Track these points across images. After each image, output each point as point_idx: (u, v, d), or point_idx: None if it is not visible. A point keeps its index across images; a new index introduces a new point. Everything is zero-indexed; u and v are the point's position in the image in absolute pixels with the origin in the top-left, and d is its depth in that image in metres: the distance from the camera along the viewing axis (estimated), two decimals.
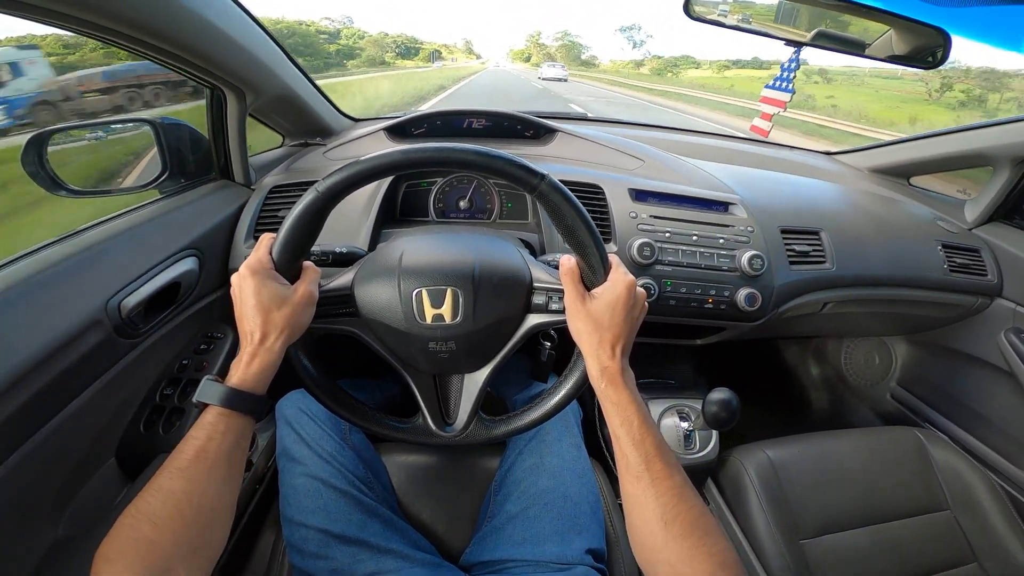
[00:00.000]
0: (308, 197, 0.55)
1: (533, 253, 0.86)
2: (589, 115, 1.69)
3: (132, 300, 0.74)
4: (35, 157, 0.81)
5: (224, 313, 0.99)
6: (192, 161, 1.04)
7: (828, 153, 1.71)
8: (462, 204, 1.11)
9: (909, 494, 1.01)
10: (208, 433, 0.49)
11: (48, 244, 0.74)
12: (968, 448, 1.31)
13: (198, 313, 0.93)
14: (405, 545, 0.69)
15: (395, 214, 1.09)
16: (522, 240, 0.96)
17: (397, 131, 1.24)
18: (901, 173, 1.51)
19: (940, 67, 0.88)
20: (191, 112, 1.06)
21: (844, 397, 1.68)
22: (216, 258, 0.96)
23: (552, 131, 1.27)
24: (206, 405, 0.51)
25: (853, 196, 1.36)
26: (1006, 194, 1.25)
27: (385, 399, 1.03)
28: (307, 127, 1.30)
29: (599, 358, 0.57)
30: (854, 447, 1.09)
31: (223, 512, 0.49)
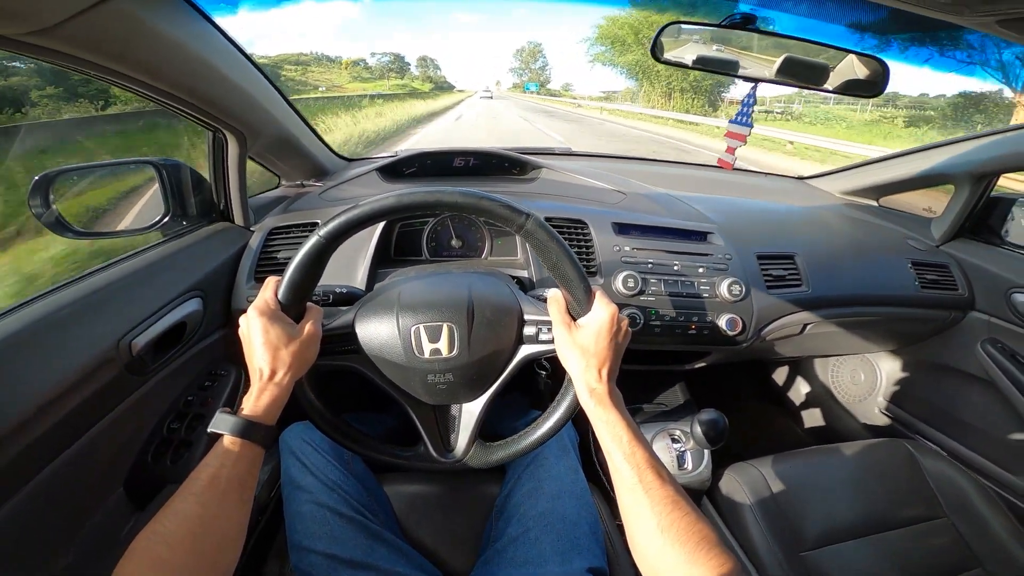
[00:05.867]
0: (311, 241, 0.59)
1: (523, 288, 0.90)
2: (573, 149, 1.76)
3: (142, 340, 0.77)
4: (41, 199, 0.84)
5: (228, 351, 1.01)
6: (193, 203, 1.07)
7: (801, 178, 1.79)
8: (454, 243, 1.15)
9: (905, 504, 1.02)
10: (221, 461, 0.52)
11: (62, 286, 0.77)
12: (957, 456, 1.34)
13: (203, 351, 0.95)
14: (411, 569, 0.71)
15: (390, 254, 1.13)
16: (513, 277, 1.00)
17: (389, 171, 1.29)
18: (870, 194, 1.58)
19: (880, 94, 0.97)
20: None
21: (833, 414, 1.71)
22: (219, 299, 0.99)
23: (537, 167, 1.33)
24: (219, 435, 0.54)
25: (825, 219, 1.42)
26: (968, 211, 1.32)
27: (387, 431, 1.04)
28: (303, 168, 1.35)
29: (587, 381, 0.61)
30: (845, 460, 1.11)
31: (234, 537, 0.52)
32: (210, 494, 0.50)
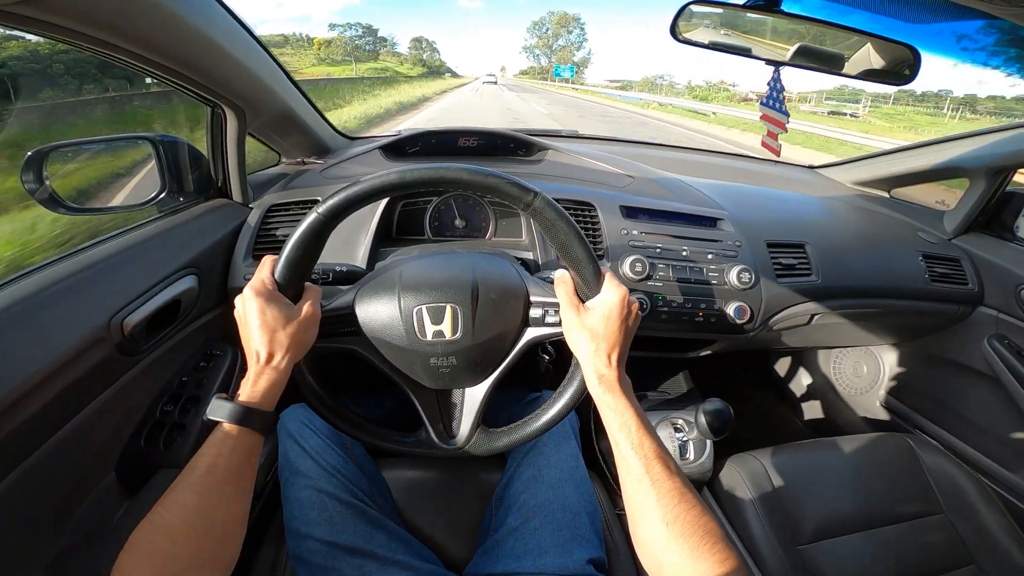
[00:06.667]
0: (309, 218, 0.57)
1: (528, 270, 0.88)
2: (580, 132, 1.73)
3: (134, 318, 0.75)
4: (35, 174, 0.82)
5: (224, 331, 1.00)
6: (190, 179, 1.05)
7: (812, 167, 1.76)
8: (457, 222, 1.13)
9: (903, 498, 1.02)
10: (218, 449, 0.50)
11: (52, 262, 0.75)
12: (958, 452, 1.33)
13: (198, 331, 0.94)
14: (410, 556, 0.70)
15: (392, 232, 1.11)
16: (518, 258, 0.98)
17: (392, 149, 1.26)
18: (882, 185, 1.56)
19: (909, 83, 0.93)
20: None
21: (835, 406, 1.70)
22: (215, 276, 0.97)
23: (544, 148, 1.30)
24: (217, 422, 0.52)
25: (836, 209, 1.40)
26: (982, 205, 1.30)
27: (385, 413, 1.04)
28: (304, 145, 1.32)
29: (596, 366, 0.59)
30: (846, 453, 1.10)
31: (235, 526, 0.51)
32: (208, 484, 0.48)
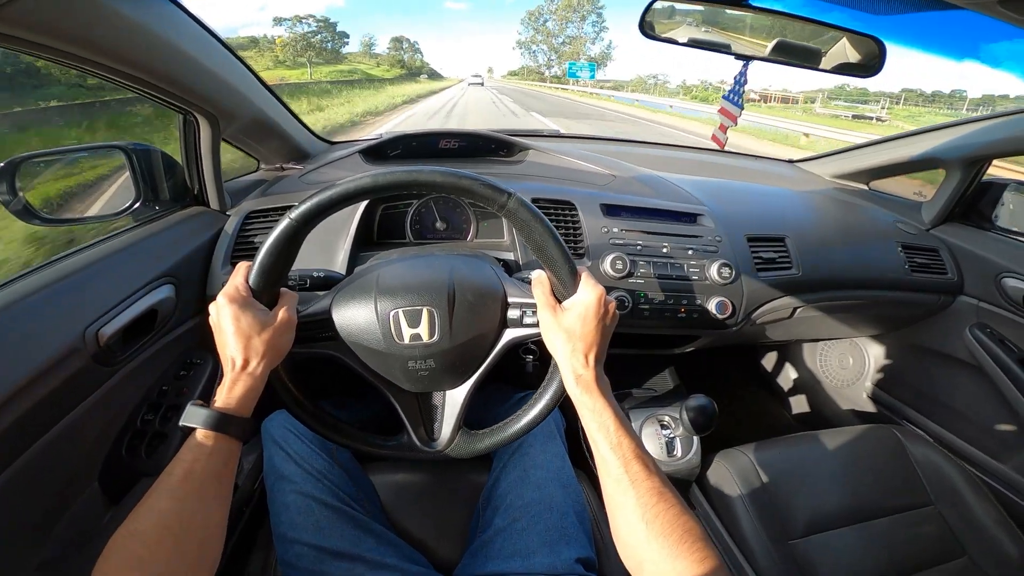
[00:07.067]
0: (282, 224, 0.56)
1: (509, 271, 0.87)
2: (561, 131, 1.74)
3: (109, 328, 0.73)
4: (7, 185, 0.80)
5: (203, 339, 0.99)
6: (165, 187, 1.03)
7: (791, 161, 1.78)
8: (438, 225, 1.12)
9: (892, 491, 1.02)
10: (195, 455, 0.50)
11: (26, 273, 0.73)
12: (945, 443, 1.34)
13: (177, 339, 0.93)
14: (399, 559, 0.70)
15: (372, 236, 1.10)
16: (498, 259, 0.97)
17: (372, 153, 1.26)
18: (861, 178, 1.58)
19: (876, 75, 0.94)
20: None
21: (821, 399, 1.71)
22: (193, 285, 0.96)
23: (524, 148, 1.30)
24: (193, 429, 0.52)
25: (816, 202, 1.41)
26: (959, 195, 1.32)
27: (368, 417, 1.03)
28: (282, 151, 1.31)
29: (573, 367, 0.59)
30: (833, 447, 1.11)
31: (214, 532, 0.50)
32: (185, 490, 0.48)
